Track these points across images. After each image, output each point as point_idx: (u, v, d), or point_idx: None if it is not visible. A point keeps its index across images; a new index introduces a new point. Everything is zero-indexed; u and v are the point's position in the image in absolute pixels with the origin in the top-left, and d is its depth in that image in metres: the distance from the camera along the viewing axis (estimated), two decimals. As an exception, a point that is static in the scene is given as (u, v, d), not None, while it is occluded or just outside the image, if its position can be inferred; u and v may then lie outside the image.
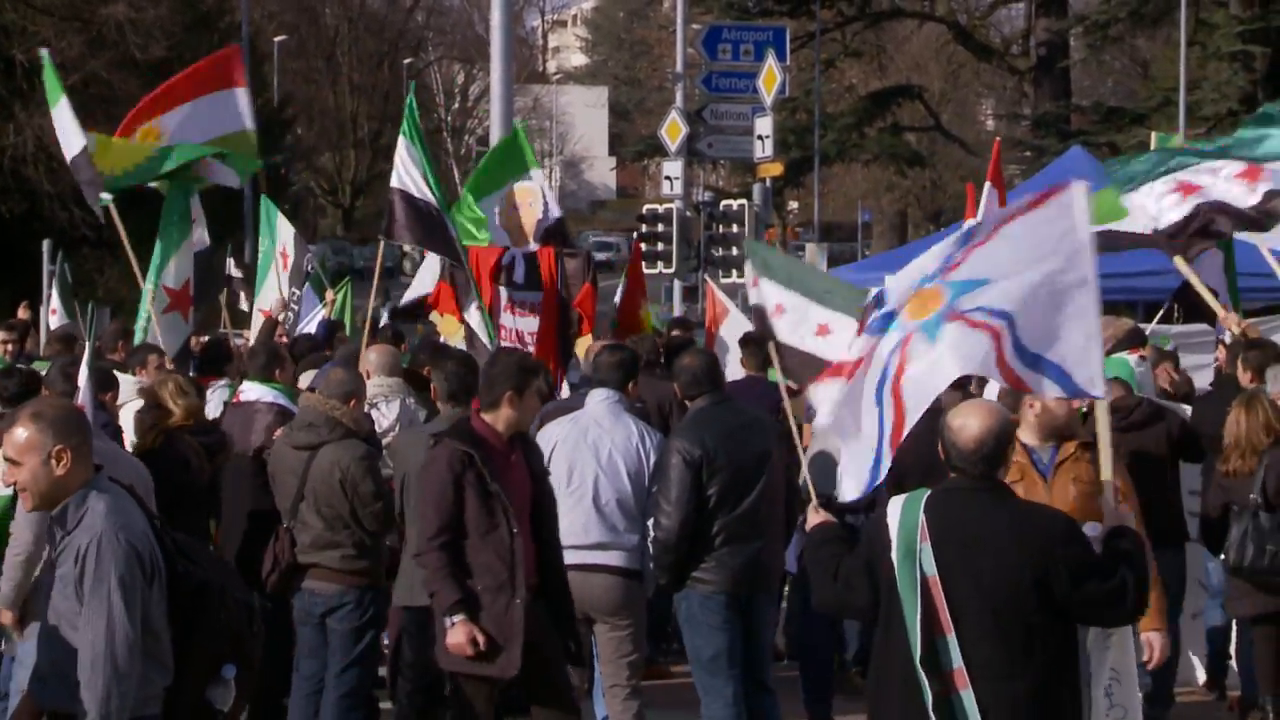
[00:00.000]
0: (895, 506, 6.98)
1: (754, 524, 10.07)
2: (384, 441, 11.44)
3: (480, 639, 8.94)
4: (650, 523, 10.05)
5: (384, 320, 19.11)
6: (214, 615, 6.68)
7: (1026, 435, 8.65)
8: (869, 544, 7.10)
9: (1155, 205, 12.51)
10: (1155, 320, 18.98)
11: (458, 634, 8.96)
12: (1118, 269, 23.20)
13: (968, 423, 7.04)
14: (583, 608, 10.09)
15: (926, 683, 6.73)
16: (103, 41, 46.84)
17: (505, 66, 20.77)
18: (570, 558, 10.04)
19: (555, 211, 14.61)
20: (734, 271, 33.71)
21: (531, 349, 13.61)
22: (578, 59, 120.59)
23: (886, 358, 7.21)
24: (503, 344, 13.57)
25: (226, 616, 6.71)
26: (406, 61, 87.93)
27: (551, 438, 10.30)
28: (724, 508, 10.01)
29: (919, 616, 6.77)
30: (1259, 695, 11.82)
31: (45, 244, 31.33)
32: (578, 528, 10.06)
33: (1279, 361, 12.26)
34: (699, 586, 10.06)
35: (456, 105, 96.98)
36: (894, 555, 6.86)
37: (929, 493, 6.98)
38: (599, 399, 10.38)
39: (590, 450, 10.17)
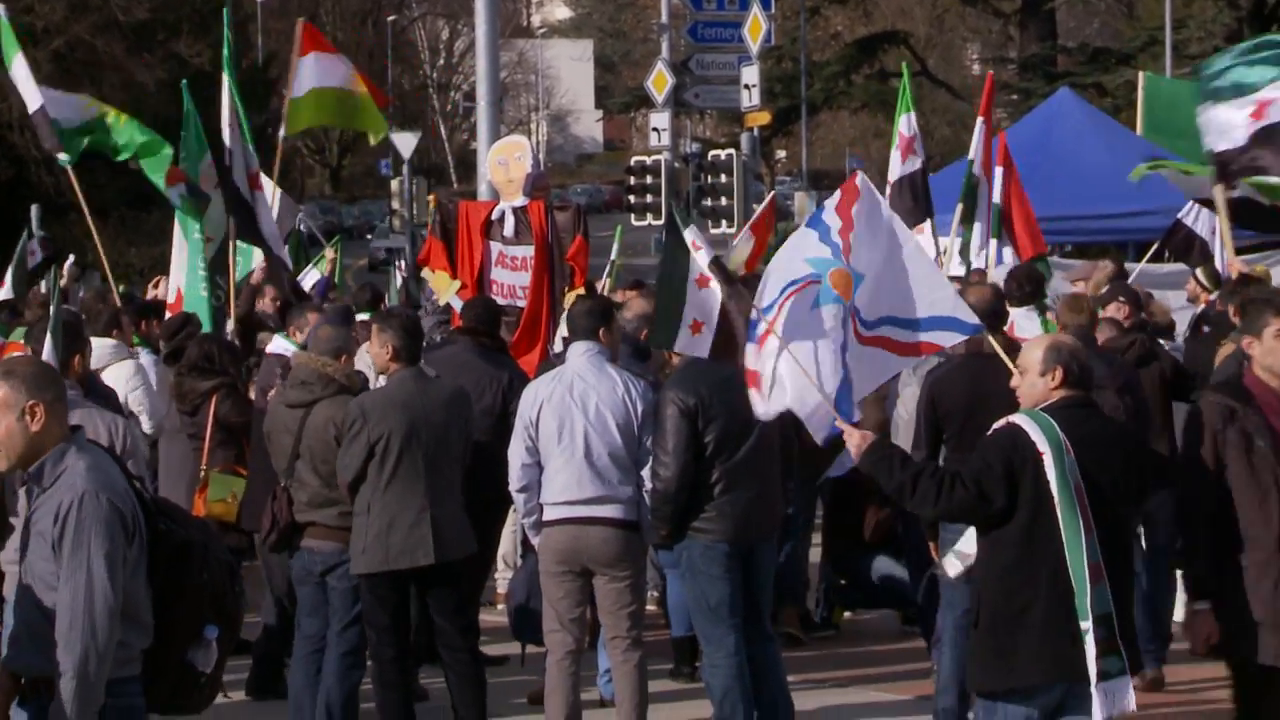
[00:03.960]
0: (1029, 423, 7.79)
1: (752, 471, 10.07)
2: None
3: (1215, 632, 8.36)
4: (648, 473, 10.05)
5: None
6: (196, 575, 6.58)
7: None
8: (1008, 456, 7.77)
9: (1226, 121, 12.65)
10: (1144, 260, 19.02)
11: (1201, 624, 8.43)
12: (1107, 209, 23.28)
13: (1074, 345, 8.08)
14: (580, 560, 10.12)
15: (1082, 575, 7.63)
16: (85, 5, 46.72)
17: (490, 21, 20.66)
18: (566, 512, 10.09)
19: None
20: (723, 222, 33.72)
21: (524, 304, 13.59)
22: (562, 12, 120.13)
23: (840, 326, 8.35)
24: (496, 299, 13.55)
25: (209, 576, 6.62)
26: (390, 19, 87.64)
27: (537, 396, 10.24)
28: (721, 456, 10.01)
29: (1077, 520, 7.64)
30: None
31: (33, 209, 31.35)
32: (572, 483, 10.05)
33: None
34: (700, 536, 10.05)
35: (441, 61, 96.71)
36: (1049, 466, 7.67)
37: (1046, 411, 7.83)
38: (580, 352, 10.31)
39: (577, 405, 10.10)
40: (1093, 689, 7.59)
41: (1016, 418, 7.85)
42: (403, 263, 28.63)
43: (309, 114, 17.05)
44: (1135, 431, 8.23)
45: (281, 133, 17.13)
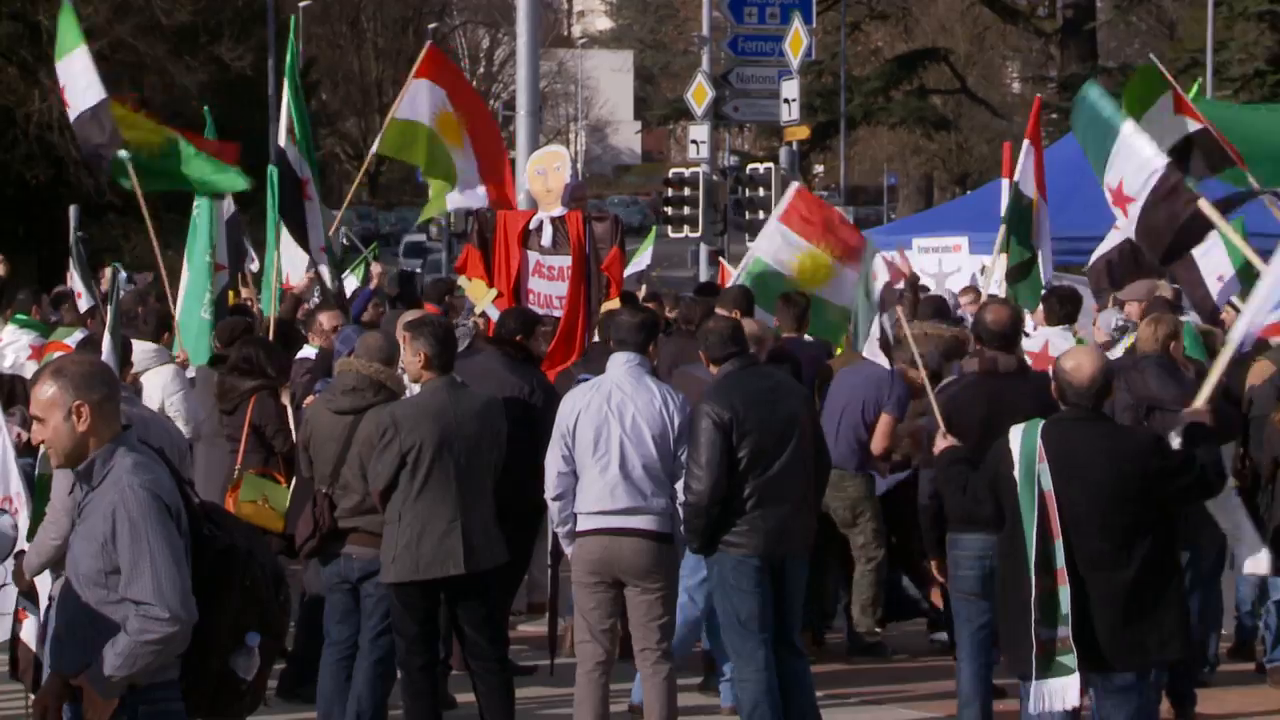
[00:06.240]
0: (1015, 435, 8.33)
1: (785, 486, 10.05)
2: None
3: None
4: (680, 486, 10.04)
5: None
6: (239, 580, 6.57)
7: None
8: (993, 465, 8.46)
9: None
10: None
11: None
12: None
13: (1081, 364, 8.40)
14: (612, 571, 10.12)
15: (1034, 579, 8.09)
16: (128, 7, 46.82)
17: (530, 31, 20.69)
18: (598, 523, 10.10)
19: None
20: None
21: (560, 313, 13.60)
22: (603, 23, 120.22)
23: None
24: (531, 308, 13.56)
25: (252, 583, 6.60)
26: (431, 26, 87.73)
27: (575, 405, 10.24)
28: (755, 470, 10.00)
29: (1035, 525, 8.11)
30: None
31: (72, 210, 31.37)
32: (605, 493, 10.06)
33: None
34: (731, 550, 10.05)
35: (481, 70, 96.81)
36: (1016, 474, 8.23)
37: (1043, 423, 8.33)
38: (620, 363, 10.32)
39: (614, 415, 10.10)
40: (1031, 684, 8.15)
41: (1014, 428, 8.40)
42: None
43: (395, 144, 16.76)
44: (1150, 443, 8.47)
45: (373, 149, 17.38)
